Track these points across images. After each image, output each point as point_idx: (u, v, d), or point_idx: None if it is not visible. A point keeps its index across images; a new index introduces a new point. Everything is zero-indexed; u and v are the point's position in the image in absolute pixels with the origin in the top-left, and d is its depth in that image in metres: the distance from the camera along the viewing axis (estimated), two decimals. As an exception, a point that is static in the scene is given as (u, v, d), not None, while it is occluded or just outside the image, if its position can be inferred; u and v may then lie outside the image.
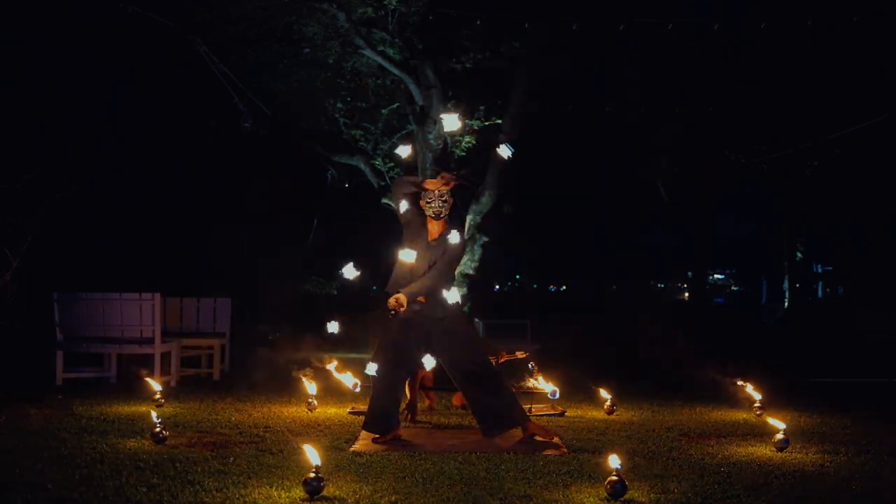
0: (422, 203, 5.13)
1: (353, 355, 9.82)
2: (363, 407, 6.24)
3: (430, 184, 5.10)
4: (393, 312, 4.92)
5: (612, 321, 15.30)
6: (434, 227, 5.16)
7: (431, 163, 10.14)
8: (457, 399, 6.50)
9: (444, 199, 5.07)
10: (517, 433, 5.16)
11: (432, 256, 5.10)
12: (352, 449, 4.72)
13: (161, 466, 4.15)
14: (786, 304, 21.71)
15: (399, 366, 5.12)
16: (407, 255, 5.04)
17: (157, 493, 3.64)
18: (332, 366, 6.59)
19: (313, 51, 10.03)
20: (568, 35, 9.97)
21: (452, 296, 5.07)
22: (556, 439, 4.98)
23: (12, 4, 9.79)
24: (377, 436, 5.00)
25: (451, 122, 5.28)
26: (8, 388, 6.75)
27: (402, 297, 4.93)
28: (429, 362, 5.16)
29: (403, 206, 5.15)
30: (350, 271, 5.22)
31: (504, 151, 5.24)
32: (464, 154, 10.32)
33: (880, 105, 12.28)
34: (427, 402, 6.34)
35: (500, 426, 5.07)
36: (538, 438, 5.00)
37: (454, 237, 5.08)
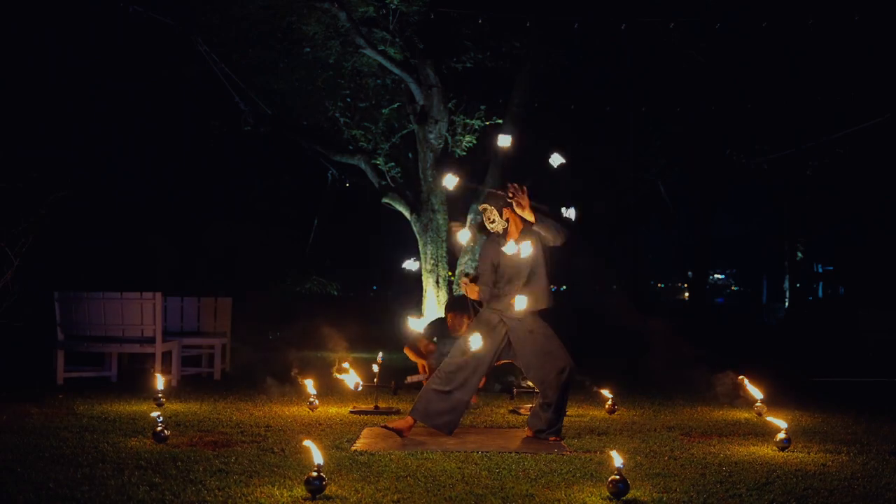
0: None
1: (355, 355, 9.82)
2: (365, 406, 6.25)
3: (482, 207, 5.24)
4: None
5: (613, 321, 15.29)
6: (511, 235, 5.18)
7: (432, 162, 10.14)
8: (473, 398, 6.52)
9: (491, 220, 5.15)
10: (521, 433, 5.17)
11: (521, 257, 5.11)
12: (353, 448, 4.72)
13: (163, 465, 4.15)
14: (786, 303, 21.72)
15: (473, 370, 5.10)
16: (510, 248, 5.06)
17: (158, 492, 3.64)
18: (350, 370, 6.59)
19: (314, 50, 10.03)
20: (569, 34, 9.97)
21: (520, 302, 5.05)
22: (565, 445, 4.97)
23: (13, 4, 9.80)
24: (385, 424, 5.07)
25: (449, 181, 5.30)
26: (9, 388, 6.76)
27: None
28: (476, 342, 5.03)
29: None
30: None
31: (556, 160, 5.17)
32: (464, 153, 10.33)
33: (881, 105, 12.28)
34: None
35: (542, 433, 5.09)
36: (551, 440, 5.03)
37: (526, 247, 5.10)
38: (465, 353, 5.09)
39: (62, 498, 3.55)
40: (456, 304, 6.89)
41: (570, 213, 5.21)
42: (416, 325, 5.49)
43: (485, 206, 5.21)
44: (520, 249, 4.99)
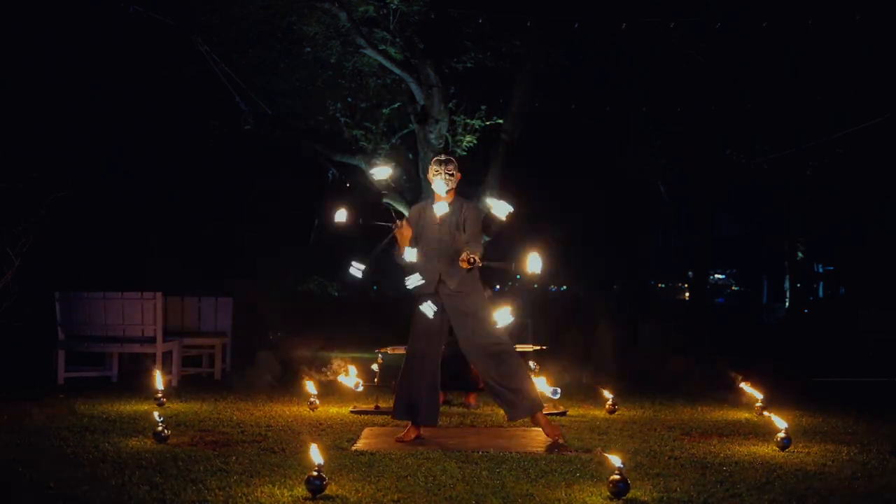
0: (428, 176, 5.15)
1: (355, 355, 9.83)
2: (365, 406, 6.26)
3: (447, 158, 5.13)
4: (472, 264, 4.80)
5: (613, 321, 15.31)
6: (441, 202, 5.11)
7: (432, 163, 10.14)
8: (472, 398, 6.52)
9: (450, 172, 5.06)
10: (521, 433, 5.16)
11: (447, 230, 5.03)
12: (354, 448, 4.72)
13: (163, 465, 4.15)
14: (786, 303, 21.72)
15: (428, 347, 5.06)
16: (409, 255, 5.00)
17: (159, 492, 3.64)
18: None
19: (314, 50, 10.03)
20: (569, 34, 9.97)
21: (503, 317, 4.98)
22: (560, 439, 4.92)
23: (13, 4, 9.80)
24: (400, 435, 5.02)
25: (380, 172, 5.29)
26: (9, 388, 6.76)
27: (470, 252, 4.80)
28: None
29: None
30: (356, 270, 5.11)
31: (501, 210, 4.92)
32: (465, 153, 10.33)
33: (881, 105, 12.27)
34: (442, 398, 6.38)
35: (515, 412, 5.01)
36: (547, 437, 4.95)
37: (465, 209, 5.05)
38: (422, 339, 5.06)
39: (63, 498, 3.55)
40: None
41: (500, 206, 4.94)
42: (356, 271, 5.25)
43: (451, 158, 5.13)
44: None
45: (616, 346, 9.95)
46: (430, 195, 5.21)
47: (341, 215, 5.10)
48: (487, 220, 5.15)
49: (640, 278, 22.93)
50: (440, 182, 5.06)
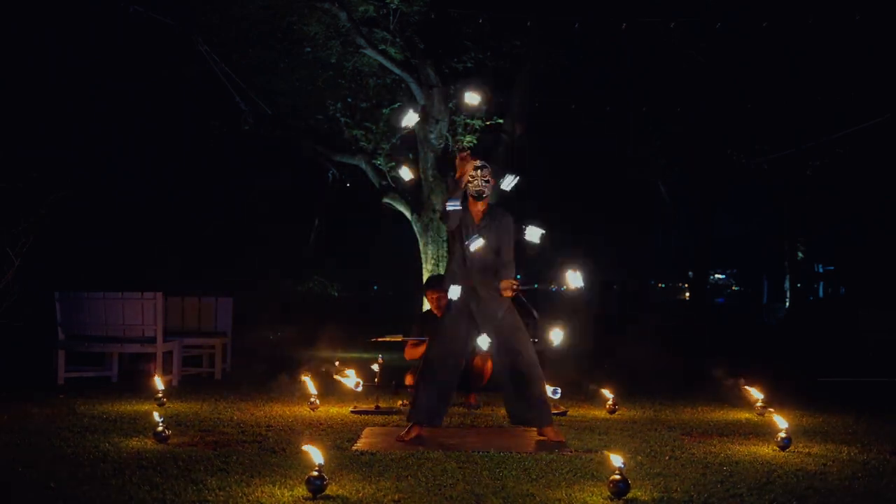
0: (461, 186, 5.08)
1: (354, 355, 9.84)
2: (365, 406, 6.25)
3: (468, 166, 5.06)
4: (520, 291, 4.88)
5: (614, 321, 15.32)
6: (477, 209, 5.09)
7: (433, 162, 10.15)
8: (472, 398, 6.52)
9: (486, 178, 5.03)
10: (522, 433, 5.18)
11: (484, 239, 5.01)
12: (354, 448, 4.72)
13: (163, 465, 4.15)
14: (787, 303, 21.72)
15: (448, 354, 5.05)
16: (475, 243, 4.98)
17: (159, 492, 3.64)
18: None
19: (314, 50, 10.04)
20: (569, 34, 9.98)
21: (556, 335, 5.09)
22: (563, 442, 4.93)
23: (13, 4, 9.80)
24: (401, 434, 5.01)
25: (472, 98, 5.41)
26: (9, 388, 6.76)
27: (513, 281, 4.90)
28: (484, 342, 4.97)
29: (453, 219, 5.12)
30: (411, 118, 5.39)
31: (534, 235, 5.00)
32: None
33: (881, 105, 12.28)
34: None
35: (522, 422, 5.09)
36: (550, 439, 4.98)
37: (503, 222, 5.03)
38: (446, 343, 5.05)
39: (63, 497, 3.55)
40: (435, 282, 6.79)
41: (532, 232, 5.02)
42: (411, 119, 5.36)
43: (486, 164, 5.07)
44: (480, 242, 4.92)
45: (607, 346, 10.01)
46: (465, 200, 5.14)
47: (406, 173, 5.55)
48: (522, 245, 5.16)
49: (640, 278, 22.94)
50: (476, 189, 5.03)
